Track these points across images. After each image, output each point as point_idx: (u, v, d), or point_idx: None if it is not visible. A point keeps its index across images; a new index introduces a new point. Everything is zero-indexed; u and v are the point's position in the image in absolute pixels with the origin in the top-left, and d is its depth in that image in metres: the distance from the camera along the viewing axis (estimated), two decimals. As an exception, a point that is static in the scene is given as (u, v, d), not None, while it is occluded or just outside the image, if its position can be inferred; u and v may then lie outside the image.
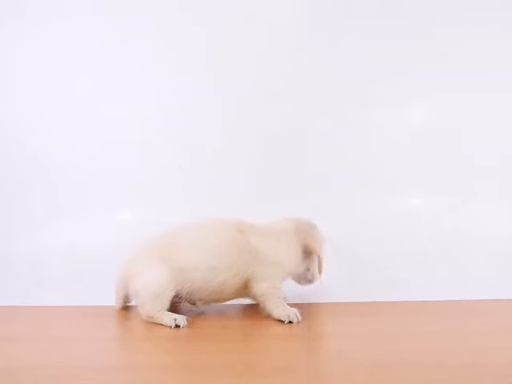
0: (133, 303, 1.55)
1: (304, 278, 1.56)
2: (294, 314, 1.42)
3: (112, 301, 1.58)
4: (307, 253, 1.54)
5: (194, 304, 1.51)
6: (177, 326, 1.36)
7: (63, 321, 1.49)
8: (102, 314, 1.53)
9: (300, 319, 1.42)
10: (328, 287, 1.58)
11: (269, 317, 1.45)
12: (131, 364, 1.14)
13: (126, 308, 1.56)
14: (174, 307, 1.46)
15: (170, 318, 1.38)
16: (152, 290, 1.40)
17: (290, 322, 1.40)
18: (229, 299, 1.51)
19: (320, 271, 1.56)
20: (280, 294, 1.47)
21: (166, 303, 1.42)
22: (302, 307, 1.49)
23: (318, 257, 1.55)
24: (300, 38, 2.10)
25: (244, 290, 1.47)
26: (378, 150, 2.09)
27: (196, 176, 2.09)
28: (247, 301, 1.55)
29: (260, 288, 1.45)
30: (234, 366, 1.09)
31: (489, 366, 1.07)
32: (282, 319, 1.42)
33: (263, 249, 1.47)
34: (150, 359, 1.16)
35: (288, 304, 1.46)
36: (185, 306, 1.54)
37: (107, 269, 1.73)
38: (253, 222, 1.55)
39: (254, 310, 1.51)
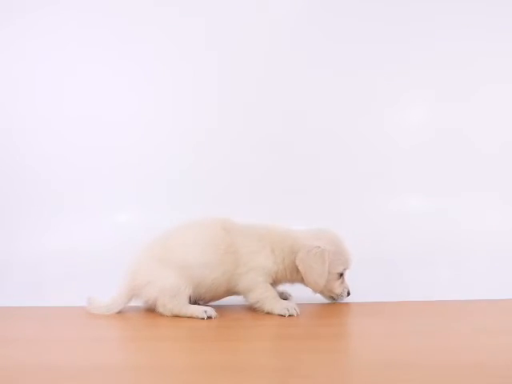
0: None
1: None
2: (292, 307, 1.46)
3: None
4: None
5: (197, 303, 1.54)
6: (209, 318, 1.40)
7: (62, 321, 1.48)
8: (101, 314, 1.52)
9: (299, 313, 1.45)
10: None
11: (269, 314, 1.47)
12: (130, 364, 1.14)
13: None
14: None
15: (200, 310, 1.41)
16: (171, 288, 1.44)
17: (291, 315, 1.44)
18: (223, 297, 1.55)
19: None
20: (273, 294, 1.50)
21: (187, 299, 1.45)
22: (303, 307, 1.49)
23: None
24: (302, 39, 2.10)
25: (234, 287, 1.50)
26: (380, 151, 2.09)
27: (196, 177, 2.09)
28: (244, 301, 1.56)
29: (253, 297, 1.49)
30: (234, 366, 1.09)
31: (493, 365, 1.07)
32: (282, 313, 1.45)
33: (244, 251, 1.49)
34: (149, 359, 1.15)
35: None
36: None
37: (106, 269, 1.73)
38: (237, 221, 1.56)
39: (255, 311, 1.51)
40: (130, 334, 1.41)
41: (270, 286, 1.51)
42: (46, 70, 2.10)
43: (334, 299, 1.56)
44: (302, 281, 1.53)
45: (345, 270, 1.53)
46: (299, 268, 1.49)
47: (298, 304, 1.49)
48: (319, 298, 1.58)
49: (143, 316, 1.49)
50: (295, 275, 1.52)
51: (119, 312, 1.52)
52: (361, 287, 1.64)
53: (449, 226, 1.98)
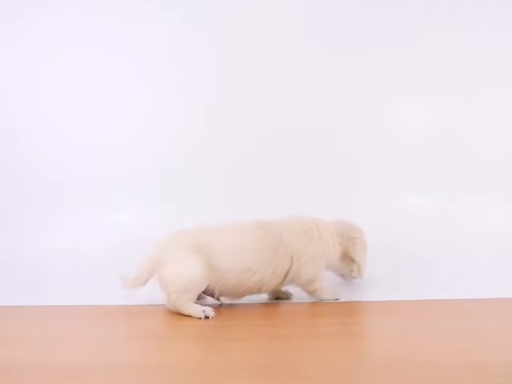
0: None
1: (348, 274, 1.64)
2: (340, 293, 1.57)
3: (112, 300, 1.59)
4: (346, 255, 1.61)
5: (218, 299, 1.55)
6: (206, 318, 1.40)
7: (64, 321, 1.48)
8: (103, 313, 1.52)
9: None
10: (331, 287, 1.59)
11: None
12: (132, 364, 1.13)
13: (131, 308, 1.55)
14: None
15: (199, 310, 1.41)
16: (184, 281, 1.42)
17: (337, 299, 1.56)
18: (266, 292, 1.57)
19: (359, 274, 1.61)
20: (324, 284, 1.56)
21: (194, 297, 1.45)
22: (306, 307, 1.50)
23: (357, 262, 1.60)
24: (304, 35, 2.09)
25: (293, 280, 1.54)
26: (382, 150, 2.08)
27: (197, 176, 2.09)
28: (251, 300, 1.55)
29: (313, 286, 1.54)
30: (237, 366, 1.09)
31: (500, 364, 1.07)
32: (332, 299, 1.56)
33: (295, 244, 1.51)
34: (150, 359, 1.15)
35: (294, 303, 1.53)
36: (205, 299, 1.55)
37: (108, 269, 1.73)
38: (273, 219, 1.57)
39: (259, 310, 1.51)
40: (132, 333, 1.41)
41: (322, 276, 1.56)
42: (47, 69, 2.10)
43: (355, 278, 1.63)
44: (342, 268, 1.61)
45: None
46: (355, 259, 1.58)
47: (298, 303, 1.52)
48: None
49: (146, 315, 1.49)
50: (341, 261, 1.60)
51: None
52: (363, 286, 1.65)
53: (453, 225, 1.98)
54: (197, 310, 1.42)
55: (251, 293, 1.51)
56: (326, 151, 2.08)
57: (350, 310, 1.52)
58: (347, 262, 1.60)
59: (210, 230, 1.53)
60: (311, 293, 1.55)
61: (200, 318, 1.40)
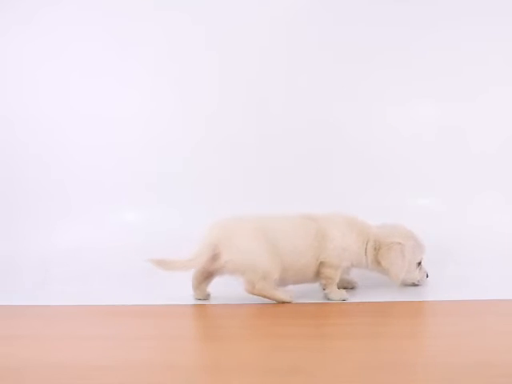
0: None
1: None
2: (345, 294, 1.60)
3: (116, 300, 1.60)
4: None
5: None
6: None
7: (68, 320, 1.49)
8: (108, 313, 1.53)
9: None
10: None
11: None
12: (135, 363, 1.13)
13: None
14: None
15: (287, 295, 1.53)
16: (262, 269, 1.49)
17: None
18: (308, 281, 1.61)
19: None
20: (337, 279, 1.60)
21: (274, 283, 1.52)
22: (309, 307, 1.50)
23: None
24: (305, 30, 2.08)
25: (324, 260, 1.58)
26: (384, 149, 2.08)
27: (200, 178, 2.10)
28: (256, 300, 1.55)
29: (328, 273, 1.58)
30: (241, 366, 1.09)
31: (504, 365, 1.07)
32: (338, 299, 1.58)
33: (332, 234, 1.58)
34: (155, 358, 1.15)
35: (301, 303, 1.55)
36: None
37: (113, 268, 1.74)
38: (319, 213, 1.62)
39: (263, 310, 1.51)
40: (135, 332, 1.40)
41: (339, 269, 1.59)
42: (50, 70, 2.11)
43: (416, 284, 1.66)
44: (381, 272, 1.63)
45: (422, 257, 1.64)
46: (382, 264, 1.59)
47: (302, 304, 1.52)
48: (325, 298, 1.59)
49: (151, 315, 1.49)
50: (375, 266, 1.62)
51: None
52: (367, 287, 1.66)
53: (461, 224, 1.99)
54: (284, 294, 1.52)
55: (295, 279, 1.58)
56: (327, 152, 2.08)
57: (357, 311, 1.52)
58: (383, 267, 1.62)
59: (263, 216, 1.60)
60: (324, 279, 1.58)
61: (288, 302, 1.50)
